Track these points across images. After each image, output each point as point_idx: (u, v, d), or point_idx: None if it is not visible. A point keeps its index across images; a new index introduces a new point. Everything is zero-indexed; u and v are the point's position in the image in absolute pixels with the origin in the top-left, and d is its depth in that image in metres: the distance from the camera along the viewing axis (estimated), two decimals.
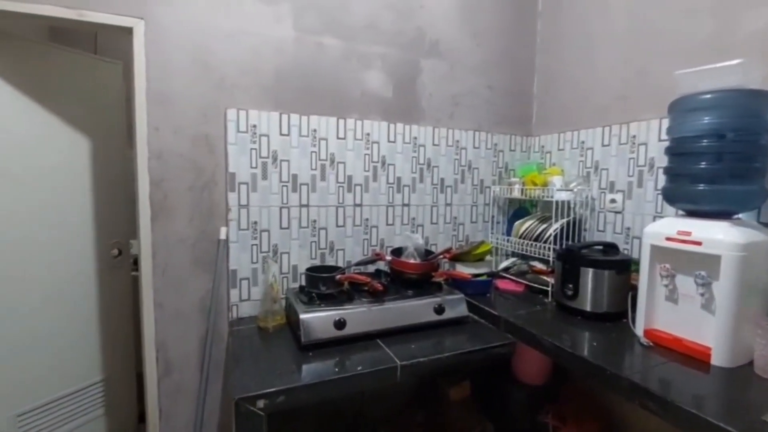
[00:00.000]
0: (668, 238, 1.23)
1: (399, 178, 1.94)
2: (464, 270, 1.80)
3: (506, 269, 2.00)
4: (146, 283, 1.54)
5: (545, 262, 1.79)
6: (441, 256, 1.77)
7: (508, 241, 2.01)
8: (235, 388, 1.12)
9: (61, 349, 1.76)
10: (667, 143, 1.36)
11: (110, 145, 1.94)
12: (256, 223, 1.68)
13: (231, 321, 1.66)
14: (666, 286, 1.27)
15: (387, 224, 1.94)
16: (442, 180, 2.05)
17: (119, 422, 2.01)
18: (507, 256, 2.13)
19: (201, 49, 1.58)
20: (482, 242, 1.93)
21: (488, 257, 1.96)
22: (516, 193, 2.01)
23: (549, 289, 1.71)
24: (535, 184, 1.90)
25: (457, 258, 1.85)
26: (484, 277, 1.82)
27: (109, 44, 2.39)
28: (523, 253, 1.91)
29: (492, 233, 2.16)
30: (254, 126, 1.66)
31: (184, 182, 1.58)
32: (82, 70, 1.84)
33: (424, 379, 1.85)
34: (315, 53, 1.76)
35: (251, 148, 1.66)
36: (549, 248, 1.73)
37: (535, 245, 1.82)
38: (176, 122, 1.56)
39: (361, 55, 1.85)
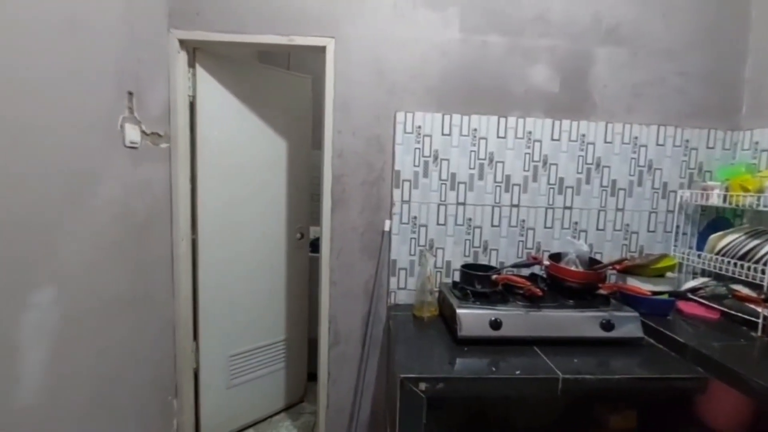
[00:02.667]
0: None
1: (561, 179, 1.82)
2: (639, 285, 1.59)
3: (694, 290, 1.68)
4: (325, 263, 1.81)
5: (755, 287, 1.45)
6: (610, 267, 1.59)
7: (698, 257, 1.69)
8: (399, 367, 1.24)
9: (260, 310, 2.21)
10: None
11: (299, 146, 2.32)
12: (415, 218, 1.80)
13: (389, 306, 1.82)
14: None
15: (545, 227, 1.84)
16: (614, 182, 1.83)
17: (294, 377, 2.42)
18: (695, 274, 1.80)
19: (377, 59, 1.75)
20: (663, 255, 1.67)
21: (670, 274, 1.69)
22: (714, 200, 1.66)
23: (759, 321, 1.39)
24: (745, 190, 1.55)
25: (629, 270, 1.65)
26: (665, 296, 1.57)
27: (299, 61, 2.85)
28: (720, 272, 1.58)
29: (675, 246, 1.84)
30: (419, 127, 1.77)
31: (358, 178, 1.79)
32: (281, 84, 2.24)
33: (578, 399, 1.71)
34: (479, 53, 1.78)
35: (415, 148, 1.78)
36: (762, 270, 1.40)
37: (741, 265, 1.49)
38: (354, 125, 1.77)
39: (526, 50, 1.79)
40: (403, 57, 1.76)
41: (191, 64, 1.81)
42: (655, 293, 1.57)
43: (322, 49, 1.74)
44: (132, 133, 1.46)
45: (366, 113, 1.77)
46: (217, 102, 1.94)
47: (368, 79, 1.76)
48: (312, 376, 2.39)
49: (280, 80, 2.25)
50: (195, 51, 1.81)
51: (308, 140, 2.38)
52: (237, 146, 2.04)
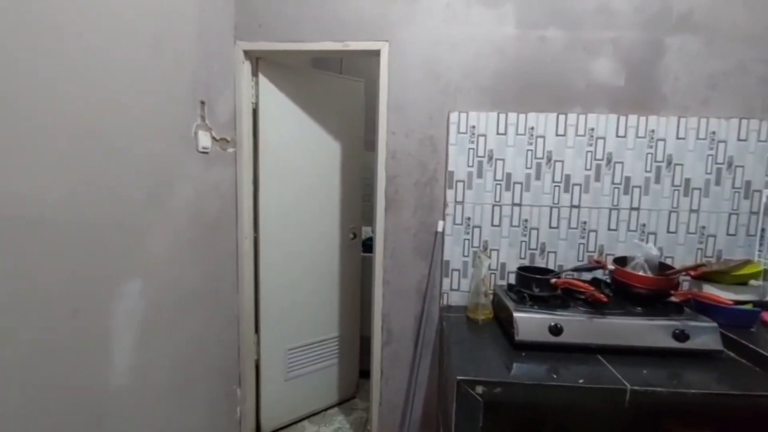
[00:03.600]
0: None
1: (628, 178, 1.72)
2: (718, 293, 1.46)
3: None
4: (378, 262, 1.84)
5: None
6: (684, 273, 1.48)
7: None
8: (455, 369, 1.24)
9: (315, 306, 2.29)
10: None
11: (352, 148, 2.37)
12: (469, 219, 1.78)
13: (442, 307, 1.82)
14: None
15: (609, 229, 1.74)
16: (687, 181, 1.70)
17: (346, 373, 2.48)
18: None
19: (431, 60, 1.76)
20: (747, 261, 1.53)
21: (753, 281, 1.54)
22: None
23: None
24: None
25: (706, 277, 1.52)
26: (748, 306, 1.44)
27: (350, 64, 2.92)
28: None
29: (760, 251, 1.67)
30: (473, 127, 1.75)
31: (411, 178, 1.81)
32: (336, 88, 2.31)
33: (645, 413, 1.61)
34: (536, 48, 1.72)
35: (469, 148, 1.76)
36: None
37: None
38: (408, 126, 1.79)
39: (587, 44, 1.71)
40: (456, 57, 1.75)
41: (254, 73, 1.92)
42: (736, 302, 1.44)
43: (376, 53, 1.77)
44: (204, 139, 1.58)
45: (419, 114, 1.78)
46: (277, 108, 2.04)
47: (422, 80, 1.77)
48: (363, 374, 2.44)
49: (335, 85, 2.31)
50: (257, 60, 1.92)
51: (361, 142, 2.43)
52: (295, 149, 2.13)
